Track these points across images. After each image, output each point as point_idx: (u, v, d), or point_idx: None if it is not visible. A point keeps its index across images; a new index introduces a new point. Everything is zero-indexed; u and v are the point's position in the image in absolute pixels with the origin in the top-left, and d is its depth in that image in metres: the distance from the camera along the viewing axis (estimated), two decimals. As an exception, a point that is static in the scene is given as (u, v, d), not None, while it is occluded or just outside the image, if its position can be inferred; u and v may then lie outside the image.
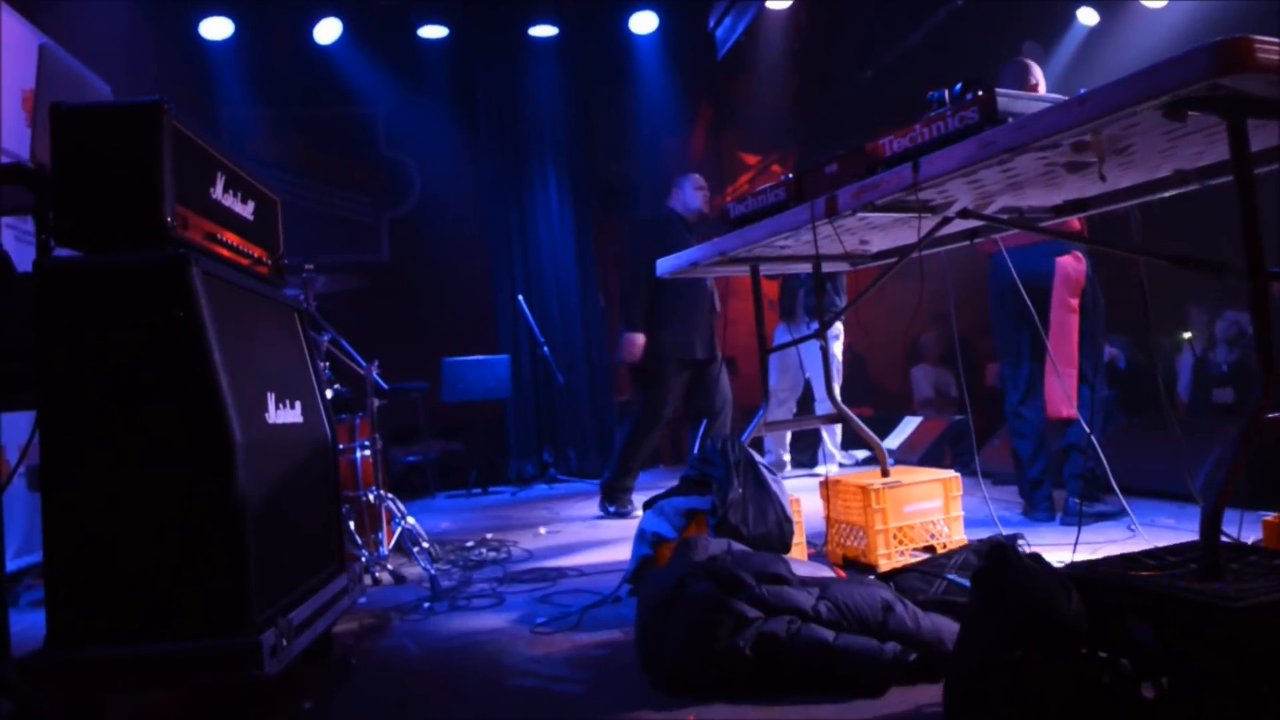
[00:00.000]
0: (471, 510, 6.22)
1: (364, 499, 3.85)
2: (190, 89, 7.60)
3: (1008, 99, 1.89)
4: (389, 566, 3.73)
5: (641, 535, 3.15)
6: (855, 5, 6.82)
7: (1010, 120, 1.88)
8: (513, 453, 7.58)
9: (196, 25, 6.83)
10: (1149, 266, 4.63)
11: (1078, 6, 7.02)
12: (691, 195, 5.24)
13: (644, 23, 7.54)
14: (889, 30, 6.65)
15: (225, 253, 2.28)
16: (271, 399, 2.23)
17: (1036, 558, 1.74)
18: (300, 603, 2.21)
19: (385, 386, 3.90)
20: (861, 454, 7.21)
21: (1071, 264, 3.99)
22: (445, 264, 8.39)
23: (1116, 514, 3.94)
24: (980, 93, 1.93)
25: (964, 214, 2.42)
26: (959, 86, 2.06)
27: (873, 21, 6.68)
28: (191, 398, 1.88)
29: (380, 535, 3.83)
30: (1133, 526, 3.77)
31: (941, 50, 6.74)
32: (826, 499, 3.49)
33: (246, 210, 2.46)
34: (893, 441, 6.91)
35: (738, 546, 2.60)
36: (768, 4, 6.27)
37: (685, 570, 2.21)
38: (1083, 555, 2.82)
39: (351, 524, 3.82)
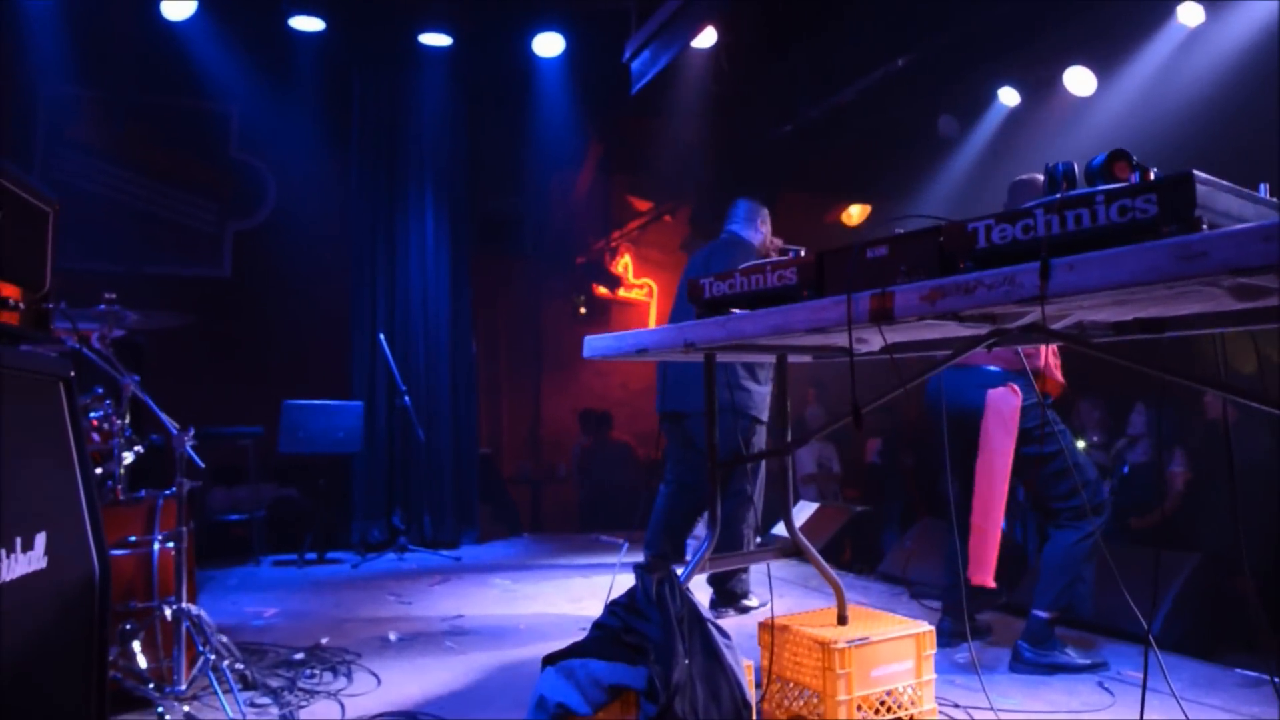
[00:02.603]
0: (304, 589, 5.21)
1: (159, 613, 2.87)
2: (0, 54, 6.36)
3: (1209, 190, 1.26)
4: (186, 708, 2.77)
5: (541, 704, 2.34)
6: (786, 54, 6.31)
7: (1207, 226, 1.24)
8: (357, 513, 6.57)
9: (11, -24, 5.65)
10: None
11: (1000, 85, 6.76)
12: (766, 230, 4.44)
13: (549, 45, 6.81)
14: (817, 86, 6.17)
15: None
16: (-17, 547, 1.34)
17: None
18: None
19: (201, 464, 2.96)
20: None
21: (1005, 398, 3.47)
22: (298, 289, 7.35)
23: (1079, 667, 3.40)
24: (1154, 175, 1.29)
25: (1032, 329, 1.78)
26: (1101, 158, 1.42)
27: (802, 74, 6.19)
28: None
29: (179, 659, 2.86)
30: (1106, 685, 3.24)
31: (869, 114, 6.32)
32: (769, 648, 2.78)
33: (-15, 225, 1.56)
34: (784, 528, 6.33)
35: (691, 759, 1.85)
36: (693, 43, 5.65)
37: None
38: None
39: (137, 645, 2.85)
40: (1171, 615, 3.71)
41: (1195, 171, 1.26)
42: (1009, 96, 6.76)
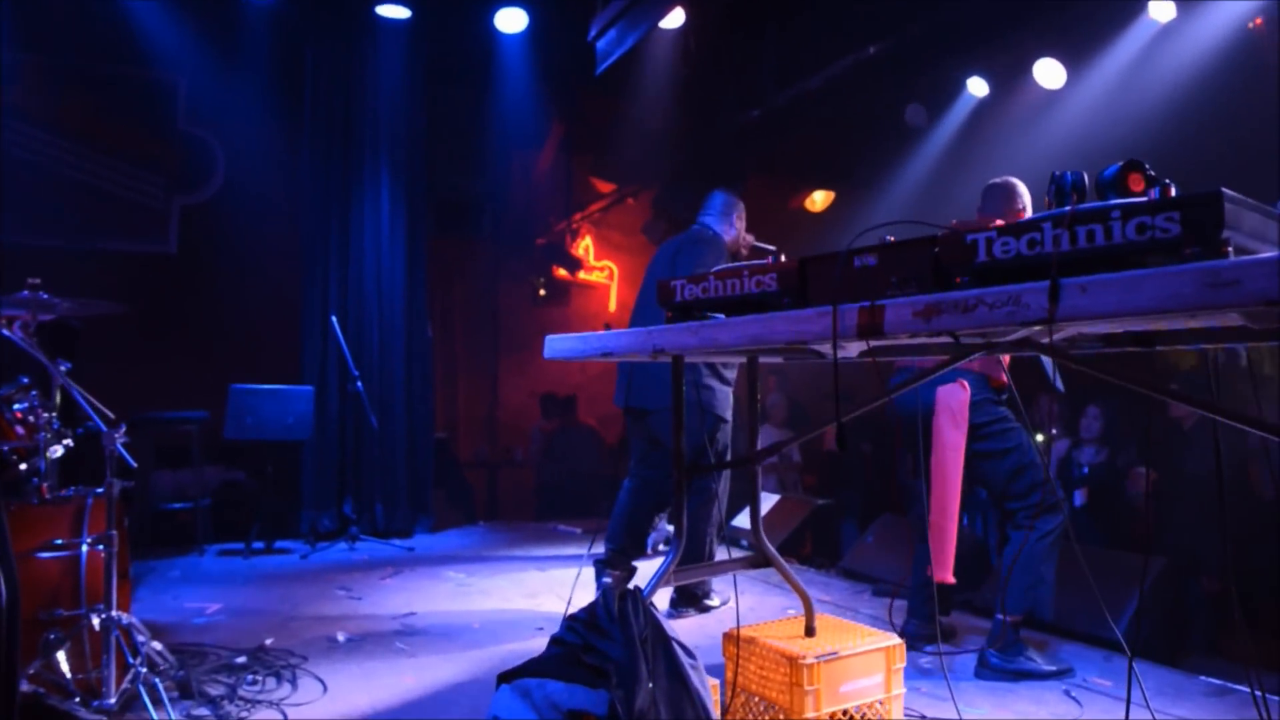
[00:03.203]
0: (249, 582, 5.02)
1: (86, 622, 2.70)
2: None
3: (1235, 209, 1.16)
4: (114, 722, 2.61)
5: (496, 726, 2.22)
6: (755, 39, 6.17)
7: (1232, 249, 1.14)
8: (307, 502, 6.36)
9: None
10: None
11: (969, 75, 6.69)
12: (741, 226, 4.26)
13: (511, 21, 6.60)
14: (786, 72, 6.05)
15: None
16: None
17: None
18: None
19: (134, 464, 2.78)
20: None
21: (954, 392, 3.42)
22: (247, 268, 7.09)
23: (1045, 674, 3.35)
24: (1178, 192, 1.19)
25: (1025, 343, 1.68)
26: (1113, 169, 1.31)
27: (770, 59, 6.06)
28: None
29: (108, 670, 2.68)
30: (1072, 694, 3.20)
31: (838, 102, 6.21)
32: (734, 660, 2.68)
33: None
34: (747, 520, 6.25)
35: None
36: (661, 23, 5.49)
37: None
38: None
39: (63, 656, 2.67)
40: (1135, 619, 3.67)
41: (1224, 190, 1.15)
42: (978, 87, 6.70)
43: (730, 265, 1.90)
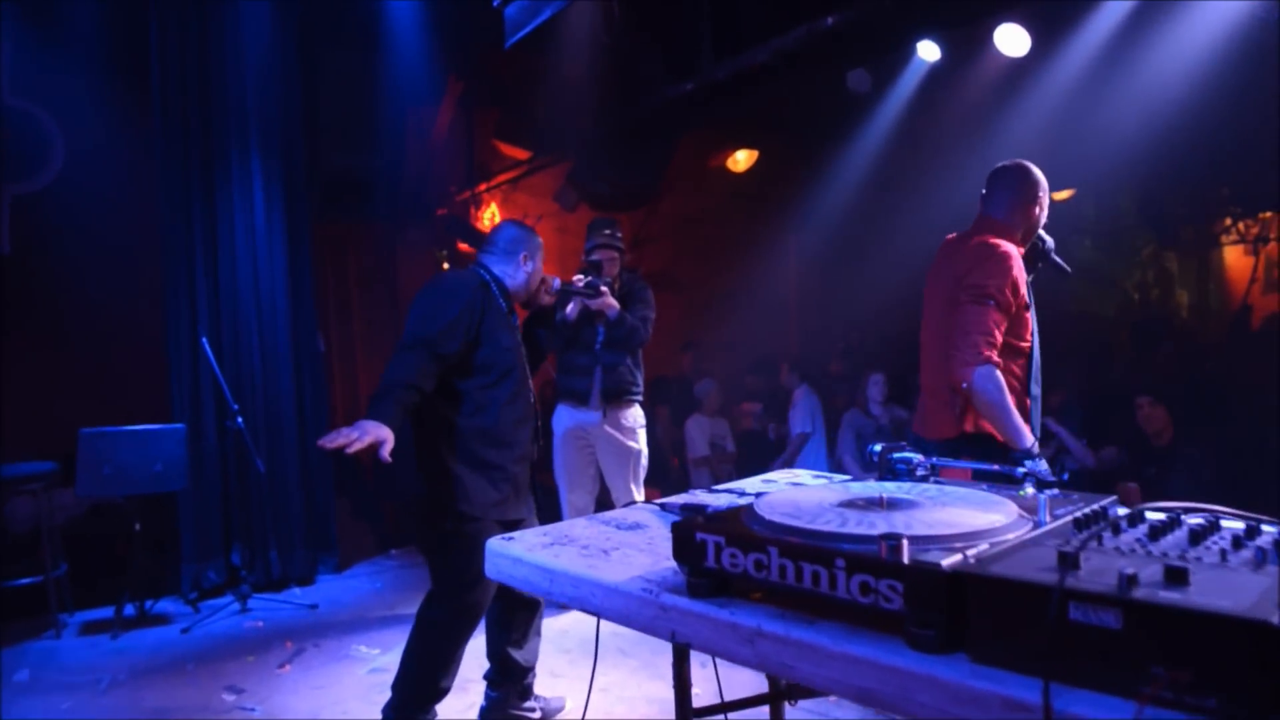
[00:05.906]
0: (116, 684, 4.17)
1: None
2: None
3: None
4: None
5: None
6: (688, 7, 5.35)
7: None
8: (187, 555, 5.45)
9: None
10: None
11: (919, 39, 6.02)
12: (530, 270, 3.38)
13: (399, -23, 5.63)
14: (725, 41, 5.26)
15: None
16: None
17: None
18: None
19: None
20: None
21: None
22: (100, 271, 6.01)
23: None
24: None
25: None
26: None
27: (706, 28, 5.25)
28: None
29: None
30: None
31: (781, 74, 5.48)
32: None
33: None
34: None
35: None
36: (581, -12, 4.65)
37: None
38: None
39: None
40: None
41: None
42: (929, 51, 6.04)
43: (811, 534, 1.20)
